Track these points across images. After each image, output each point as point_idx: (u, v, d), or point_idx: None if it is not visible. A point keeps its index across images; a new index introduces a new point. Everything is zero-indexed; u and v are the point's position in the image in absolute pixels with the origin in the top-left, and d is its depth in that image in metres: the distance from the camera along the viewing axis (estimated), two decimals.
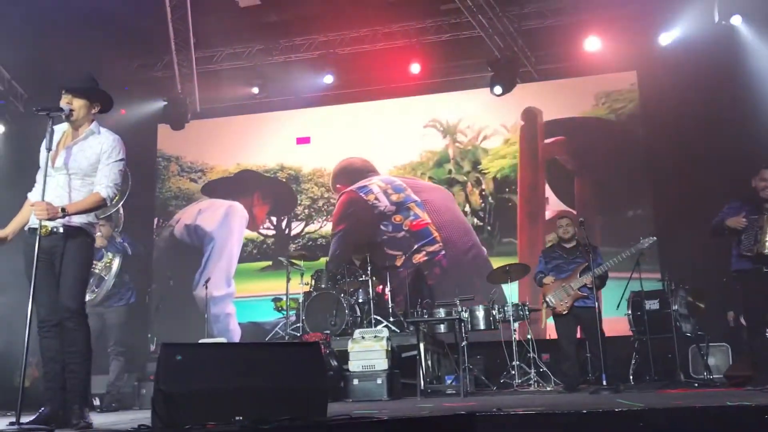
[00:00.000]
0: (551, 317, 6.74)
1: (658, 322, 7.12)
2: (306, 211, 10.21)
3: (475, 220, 9.65)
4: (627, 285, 7.37)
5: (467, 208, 9.71)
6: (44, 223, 3.70)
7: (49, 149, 3.80)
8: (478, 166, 9.70)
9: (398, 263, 9.60)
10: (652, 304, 7.27)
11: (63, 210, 3.71)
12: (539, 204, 9.48)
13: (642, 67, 9.20)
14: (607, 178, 9.16)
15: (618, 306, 7.56)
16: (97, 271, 6.56)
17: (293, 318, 8.01)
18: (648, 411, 3.30)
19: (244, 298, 9.99)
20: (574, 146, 9.45)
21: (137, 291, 7.53)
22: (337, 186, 10.23)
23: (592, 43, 9.02)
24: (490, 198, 9.60)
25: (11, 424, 3.45)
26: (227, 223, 10.63)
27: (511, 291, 8.23)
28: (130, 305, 7.03)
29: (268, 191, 10.53)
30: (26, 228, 3.92)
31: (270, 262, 10.04)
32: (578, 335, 6.77)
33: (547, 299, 6.52)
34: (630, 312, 7.38)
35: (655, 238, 6.67)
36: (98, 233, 6.35)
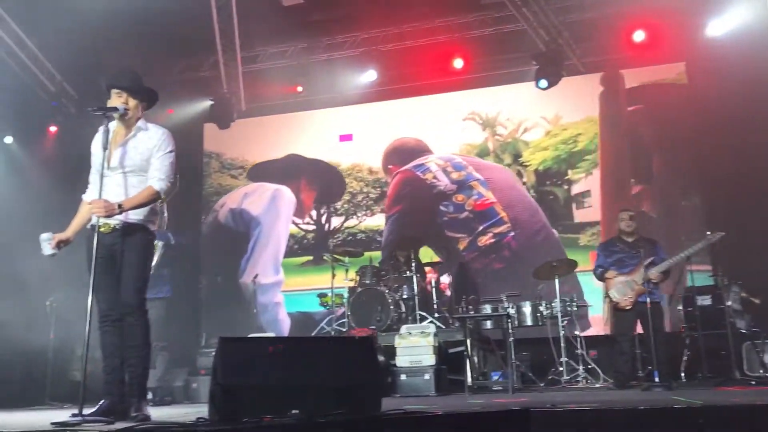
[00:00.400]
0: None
1: (710, 318, 6.98)
2: (345, 206, 10.19)
3: None
4: (679, 279, 7.23)
5: None
6: (104, 220, 3.80)
7: (105, 148, 3.87)
8: (519, 158, 9.59)
9: (461, 246, 9.31)
10: (704, 300, 7.13)
11: (120, 206, 3.80)
12: (623, 178, 9.07)
13: (690, 59, 8.99)
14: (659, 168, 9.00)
15: (669, 302, 7.42)
16: None
17: (339, 311, 8.05)
18: (708, 408, 3.23)
19: (287, 291, 10.00)
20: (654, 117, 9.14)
21: (183, 285, 7.67)
22: (389, 167, 10.03)
23: (639, 35, 8.85)
24: (532, 191, 9.48)
25: (74, 415, 3.55)
26: (274, 207, 10.46)
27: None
28: (167, 299, 7.06)
29: (316, 176, 10.36)
30: (89, 225, 4.02)
31: (311, 257, 10.05)
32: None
33: (611, 294, 6.41)
34: (681, 307, 7.24)
35: (723, 233, 6.46)
36: None
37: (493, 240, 9.32)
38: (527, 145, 9.59)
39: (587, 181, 9.25)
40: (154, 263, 6.64)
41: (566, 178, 9.35)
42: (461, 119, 9.89)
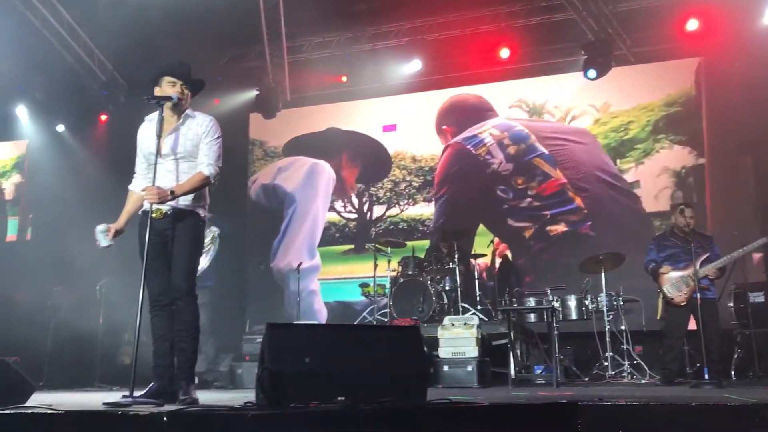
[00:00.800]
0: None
1: (763, 315, 6.80)
2: (387, 194, 10.06)
3: None
4: (729, 275, 7.04)
5: None
6: (156, 206, 3.87)
7: (159, 136, 3.95)
8: None
9: (527, 235, 8.75)
10: (756, 297, 6.96)
11: (172, 192, 3.87)
12: (729, 163, 8.48)
13: (744, 49, 8.70)
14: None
15: (719, 297, 7.22)
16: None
17: (382, 301, 8.06)
18: (763, 406, 3.13)
19: (326, 280, 9.96)
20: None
21: (228, 272, 7.73)
22: (443, 128, 9.62)
23: (692, 23, 8.62)
24: None
25: (125, 396, 3.63)
26: (312, 183, 9.94)
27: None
28: (210, 287, 7.12)
29: (359, 151, 9.86)
30: (140, 211, 4.11)
31: (352, 246, 9.98)
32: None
33: (664, 289, 6.27)
34: (733, 304, 7.06)
35: None
36: None
37: (566, 229, 8.75)
38: None
39: (637, 172, 9.00)
40: (212, 255, 6.70)
41: (616, 167, 9.12)
42: (507, 107, 9.73)
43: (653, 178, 8.89)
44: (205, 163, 4.03)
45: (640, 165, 8.97)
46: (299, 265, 8.73)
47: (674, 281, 6.22)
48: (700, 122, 8.91)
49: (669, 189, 8.81)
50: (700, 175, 8.77)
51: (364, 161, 9.91)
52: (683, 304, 6.17)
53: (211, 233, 6.67)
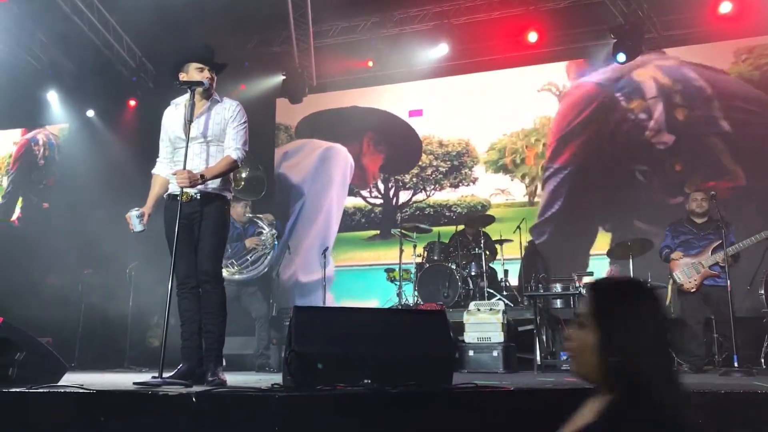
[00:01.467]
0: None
1: None
2: (414, 179, 9.96)
3: None
4: (761, 262, 6.92)
5: None
6: (185, 190, 3.91)
7: (190, 121, 3.98)
8: None
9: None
10: None
11: (202, 176, 3.92)
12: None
13: None
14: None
15: (750, 284, 7.11)
16: (257, 247, 6.66)
17: (407, 286, 8.07)
18: None
19: (352, 266, 9.90)
20: None
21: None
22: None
23: (725, 6, 8.40)
24: None
25: (154, 377, 3.69)
26: (324, 172, 9.18)
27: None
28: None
29: (384, 136, 9.14)
30: (166, 195, 4.16)
31: (378, 231, 9.94)
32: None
33: (675, 275, 6.24)
34: (763, 291, 6.94)
35: None
36: (238, 209, 6.61)
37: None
38: None
39: None
40: (271, 257, 6.74)
41: None
42: (536, 90, 9.60)
43: None
44: (233, 147, 4.07)
45: None
46: (325, 250, 8.75)
47: (685, 267, 6.18)
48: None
49: None
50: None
51: (391, 147, 9.32)
52: (693, 290, 6.13)
53: (270, 235, 6.75)
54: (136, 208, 4.12)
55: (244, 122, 4.17)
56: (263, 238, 6.72)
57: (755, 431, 3.00)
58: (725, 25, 8.52)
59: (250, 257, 6.59)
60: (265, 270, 6.75)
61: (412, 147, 9.02)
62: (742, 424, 3.04)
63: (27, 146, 11.46)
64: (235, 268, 6.50)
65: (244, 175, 6.81)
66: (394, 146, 9.34)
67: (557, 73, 9.57)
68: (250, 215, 6.85)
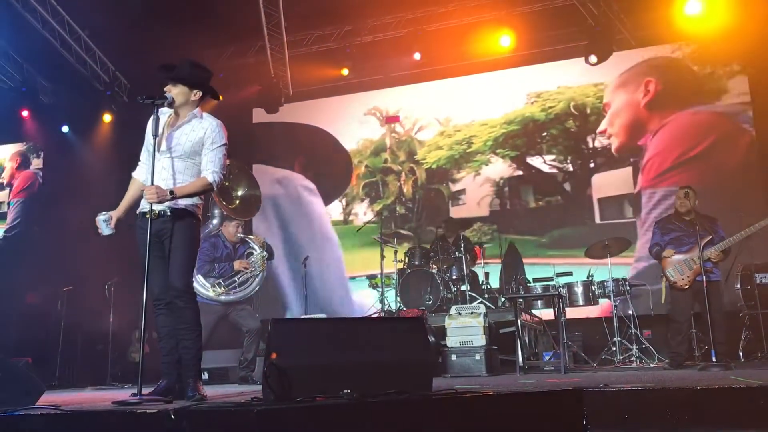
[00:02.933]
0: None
1: None
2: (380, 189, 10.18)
3: None
4: (736, 256, 7.02)
5: None
6: (154, 206, 3.88)
7: (155, 136, 3.96)
8: None
9: None
10: (763, 278, 6.95)
11: (171, 193, 3.89)
12: None
13: (751, 32, 8.61)
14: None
15: (726, 279, 7.20)
16: (246, 270, 6.59)
17: (389, 292, 8.08)
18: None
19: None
20: None
21: None
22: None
23: (692, 6, 8.49)
24: None
25: (133, 395, 3.66)
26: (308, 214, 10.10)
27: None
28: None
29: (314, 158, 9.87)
30: (137, 212, 4.13)
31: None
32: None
33: (667, 273, 6.26)
34: (739, 286, 7.05)
35: None
36: (230, 230, 6.53)
37: None
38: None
39: None
40: (261, 279, 6.65)
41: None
42: (518, 93, 9.78)
43: None
44: (210, 170, 4.03)
45: None
46: (305, 258, 8.78)
47: (677, 264, 6.22)
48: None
49: None
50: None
51: (322, 175, 10.12)
52: (686, 287, 6.17)
53: (261, 257, 6.68)
54: (104, 213, 4.09)
55: (223, 144, 4.10)
56: (253, 259, 6.64)
57: (732, 426, 3.04)
58: (693, 24, 8.64)
59: (238, 278, 6.50)
60: (253, 292, 6.69)
61: (342, 171, 10.05)
62: (719, 419, 3.08)
63: (33, 180, 11.21)
64: (222, 288, 6.42)
65: (240, 193, 6.69)
66: (325, 173, 10.30)
67: (534, 76, 9.67)
68: (242, 236, 6.75)
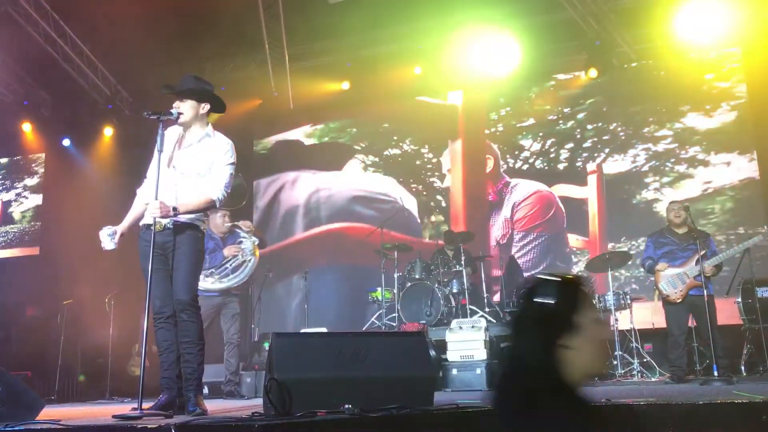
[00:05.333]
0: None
1: None
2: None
3: None
4: (737, 270, 7.02)
5: None
6: (157, 220, 3.89)
7: (160, 151, 3.96)
8: None
9: None
10: (764, 292, 6.93)
11: (174, 209, 3.89)
12: None
13: (747, 43, 8.66)
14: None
15: (727, 293, 7.20)
16: (238, 254, 6.53)
17: (390, 305, 8.06)
18: None
19: None
20: None
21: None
22: None
23: (688, 19, 8.48)
24: None
25: (134, 409, 3.65)
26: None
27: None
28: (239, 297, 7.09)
29: None
30: (141, 224, 4.13)
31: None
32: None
33: (660, 287, 6.27)
34: (740, 299, 7.04)
35: None
36: (217, 221, 6.47)
37: None
38: None
39: None
40: (251, 267, 6.59)
41: None
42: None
43: None
44: (216, 187, 4.04)
45: None
46: (306, 272, 8.79)
47: (670, 278, 6.24)
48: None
49: None
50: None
51: None
52: (679, 301, 6.20)
53: (251, 243, 6.59)
54: (109, 227, 4.09)
55: (232, 163, 4.12)
56: (243, 246, 6.57)
57: None
58: (692, 37, 8.64)
59: (230, 265, 6.42)
60: (247, 277, 6.62)
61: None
62: None
63: None
64: (215, 277, 6.36)
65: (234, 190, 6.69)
66: None
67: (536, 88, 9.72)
68: (229, 224, 6.67)
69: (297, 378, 3.16)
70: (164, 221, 3.94)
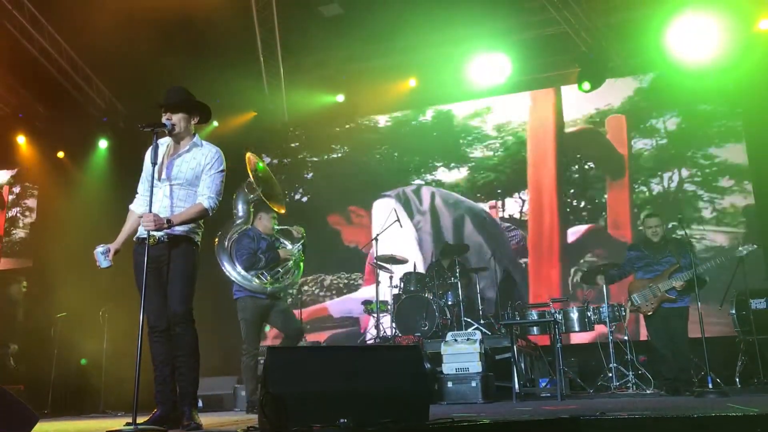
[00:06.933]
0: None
1: (765, 322, 6.80)
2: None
3: None
4: (731, 282, 7.05)
5: None
6: (151, 233, 3.89)
7: (154, 163, 3.98)
8: None
9: None
10: (758, 303, 6.96)
11: (168, 221, 3.89)
12: None
13: (741, 56, 8.71)
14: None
15: (721, 304, 7.21)
16: (291, 263, 6.49)
17: (385, 318, 8.05)
18: (765, 417, 3.13)
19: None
20: None
21: (230, 293, 7.75)
22: None
23: (680, 33, 8.55)
24: None
25: (128, 424, 3.63)
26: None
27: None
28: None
29: None
30: (135, 238, 4.13)
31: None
32: None
33: (632, 298, 6.36)
34: (734, 311, 7.07)
35: (755, 245, 6.42)
36: (266, 223, 6.42)
37: None
38: None
39: None
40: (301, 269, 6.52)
41: None
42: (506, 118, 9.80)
43: None
44: (206, 195, 4.05)
45: None
46: (300, 285, 8.79)
47: (642, 290, 6.30)
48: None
49: None
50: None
51: None
52: (650, 313, 6.27)
53: (297, 249, 6.54)
54: (102, 245, 4.09)
55: (221, 171, 4.13)
56: (294, 251, 6.50)
57: None
58: (686, 50, 8.70)
59: (281, 268, 6.38)
60: (299, 278, 6.59)
61: None
62: None
63: None
64: (268, 278, 6.28)
65: (278, 190, 6.68)
66: None
67: (528, 102, 9.76)
68: (278, 227, 6.59)
69: (292, 392, 3.15)
70: (158, 234, 3.94)
